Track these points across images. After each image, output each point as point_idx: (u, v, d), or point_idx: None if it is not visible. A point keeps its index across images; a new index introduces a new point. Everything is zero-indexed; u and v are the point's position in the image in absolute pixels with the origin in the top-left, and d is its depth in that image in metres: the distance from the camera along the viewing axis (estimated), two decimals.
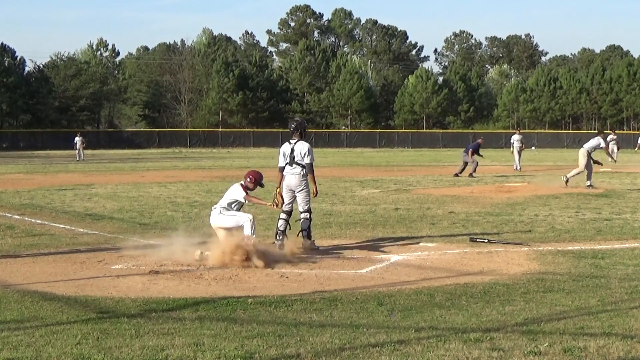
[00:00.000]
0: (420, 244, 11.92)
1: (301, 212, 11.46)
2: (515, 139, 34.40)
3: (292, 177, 11.43)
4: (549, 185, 22.85)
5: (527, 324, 6.82)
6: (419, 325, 6.80)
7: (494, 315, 7.19)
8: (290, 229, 11.51)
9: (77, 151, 50.80)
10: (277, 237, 11.47)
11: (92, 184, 25.59)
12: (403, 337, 6.38)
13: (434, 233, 13.14)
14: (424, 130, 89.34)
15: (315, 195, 11.77)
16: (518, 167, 33.29)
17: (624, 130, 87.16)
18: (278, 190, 11.59)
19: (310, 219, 11.49)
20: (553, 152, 60.40)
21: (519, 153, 33.96)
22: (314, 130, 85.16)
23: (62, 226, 14.26)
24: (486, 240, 11.96)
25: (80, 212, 16.65)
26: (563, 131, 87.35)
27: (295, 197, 11.52)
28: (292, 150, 11.41)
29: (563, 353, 5.90)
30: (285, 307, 7.58)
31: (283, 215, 11.49)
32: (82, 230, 13.55)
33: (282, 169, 11.52)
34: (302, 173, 11.40)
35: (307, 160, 11.38)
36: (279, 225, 11.50)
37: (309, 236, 11.42)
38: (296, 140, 11.53)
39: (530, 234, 12.95)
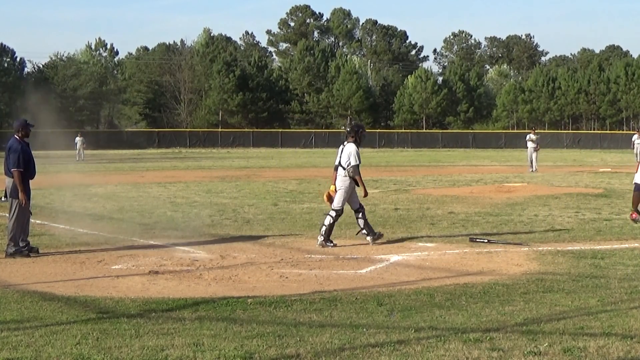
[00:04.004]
0: (420, 244, 11.94)
1: (332, 209, 11.95)
2: (530, 138, 33.12)
3: (338, 177, 12.06)
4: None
5: (527, 324, 6.82)
6: (418, 325, 6.80)
7: (493, 315, 7.19)
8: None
9: (77, 151, 50.62)
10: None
11: (92, 184, 25.58)
12: (403, 337, 6.38)
13: (433, 233, 13.14)
14: (424, 131, 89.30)
15: (365, 196, 12.18)
16: (533, 169, 31.98)
17: (623, 130, 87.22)
18: (332, 188, 12.17)
19: (334, 218, 11.88)
20: (553, 152, 60.30)
21: (534, 153, 32.41)
22: (313, 130, 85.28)
23: (62, 226, 14.24)
24: (486, 241, 11.97)
25: (80, 212, 16.63)
26: (563, 131, 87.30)
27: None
28: (342, 152, 12.06)
29: (563, 353, 5.90)
30: (285, 307, 7.58)
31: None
32: (82, 230, 13.54)
33: (336, 167, 12.14)
34: (343, 173, 11.97)
35: (351, 162, 11.92)
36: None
37: (326, 235, 11.73)
38: (348, 142, 12.13)
39: (530, 234, 12.95)
